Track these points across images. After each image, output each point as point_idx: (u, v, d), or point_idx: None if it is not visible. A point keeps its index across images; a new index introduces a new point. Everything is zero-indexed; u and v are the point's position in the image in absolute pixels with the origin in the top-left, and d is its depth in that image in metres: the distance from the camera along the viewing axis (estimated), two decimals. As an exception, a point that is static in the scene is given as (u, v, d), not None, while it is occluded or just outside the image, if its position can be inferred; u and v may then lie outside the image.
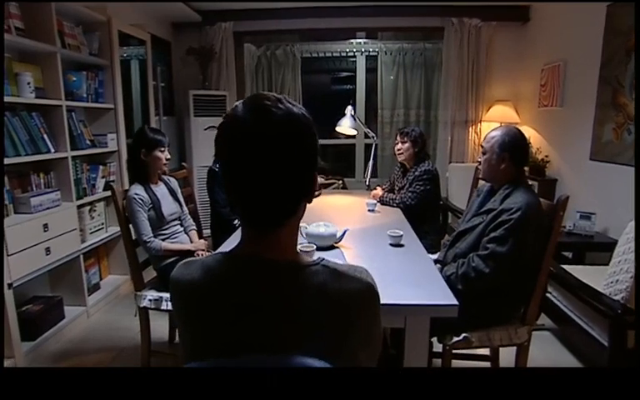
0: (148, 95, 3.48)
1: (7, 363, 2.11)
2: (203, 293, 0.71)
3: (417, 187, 2.50)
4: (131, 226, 2.02)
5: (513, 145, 1.65)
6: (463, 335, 1.62)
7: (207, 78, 4.32)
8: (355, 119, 2.96)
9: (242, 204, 0.69)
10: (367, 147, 4.11)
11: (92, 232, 2.81)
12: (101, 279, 3.01)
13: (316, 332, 0.67)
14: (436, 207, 2.69)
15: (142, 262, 2.12)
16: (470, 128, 4.21)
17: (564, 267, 2.33)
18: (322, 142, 6.07)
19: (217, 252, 0.75)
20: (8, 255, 2.10)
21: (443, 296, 1.29)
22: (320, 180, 5.44)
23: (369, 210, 2.48)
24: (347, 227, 2.07)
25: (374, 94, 5.77)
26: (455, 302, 1.24)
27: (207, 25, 4.32)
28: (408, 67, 5.61)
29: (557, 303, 2.35)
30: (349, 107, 2.95)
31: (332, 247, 1.76)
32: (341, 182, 5.59)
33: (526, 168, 3.58)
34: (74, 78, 2.64)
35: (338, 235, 1.76)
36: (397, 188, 2.74)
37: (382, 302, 1.25)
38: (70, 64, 2.69)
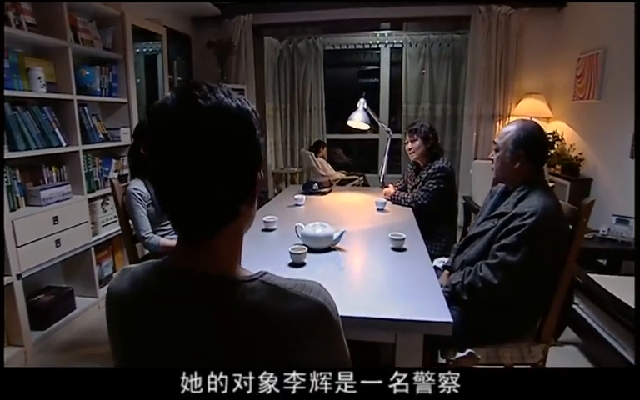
0: (165, 89, 3.49)
1: (16, 352, 2.17)
2: (129, 306, 0.65)
3: (430, 185, 2.34)
4: (130, 221, 2.01)
5: (530, 141, 1.48)
6: (468, 351, 1.48)
7: (226, 72, 4.30)
8: (368, 113, 2.81)
9: (170, 208, 0.62)
10: (392, 142, 3.92)
11: (104, 225, 2.84)
12: (114, 271, 3.05)
13: (249, 359, 0.58)
14: (451, 208, 2.51)
15: (142, 257, 2.11)
16: (497, 123, 3.95)
17: (594, 276, 2.10)
18: (345, 137, 5.98)
19: (149, 261, 0.67)
20: (18, 246, 2.14)
21: (438, 311, 1.16)
22: (341, 176, 5.34)
23: (378, 209, 2.35)
24: (353, 226, 1.97)
25: (398, 88, 5.58)
26: (449, 319, 1.11)
27: (226, 18, 4.30)
28: (435, 59, 5.39)
29: (585, 316, 2.13)
30: (362, 100, 2.81)
31: (328, 250, 1.66)
32: (362, 178, 5.45)
33: (558, 166, 3.37)
34: (87, 73, 2.67)
35: (335, 236, 1.65)
36: (409, 187, 2.59)
37: (369, 315, 1.16)
38: (84, 59, 2.72)
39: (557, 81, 3.78)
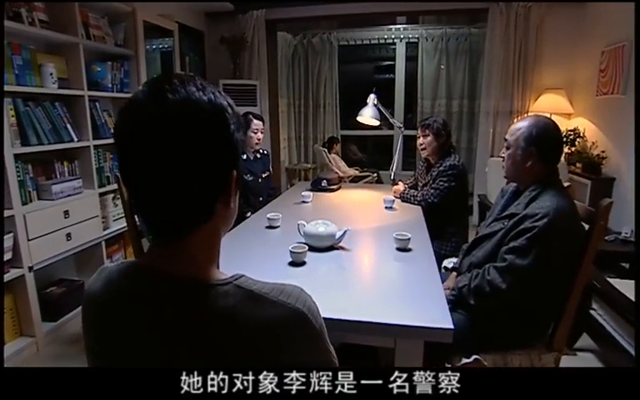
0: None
1: (28, 342, 2.23)
2: (103, 306, 0.63)
3: (441, 183, 2.27)
4: (136, 216, 2.02)
5: (542, 139, 1.40)
6: (474, 357, 1.42)
7: (238, 67, 4.30)
8: (379, 108, 2.75)
9: (139, 206, 0.59)
10: (407, 138, 3.85)
11: (115, 219, 2.88)
12: (125, 265, 3.09)
13: (221, 364, 0.55)
14: (462, 207, 2.43)
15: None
16: (515, 119, 3.81)
17: (613, 281, 2.00)
18: (359, 133, 5.91)
19: (123, 261, 0.65)
20: (29, 239, 2.19)
21: (439, 317, 1.10)
22: (354, 172, 5.28)
23: (386, 207, 2.29)
24: (358, 225, 1.93)
25: (414, 83, 5.48)
26: (450, 325, 1.05)
27: (239, 14, 4.29)
28: (451, 53, 5.28)
29: (603, 323, 2.03)
30: (372, 96, 2.75)
31: (331, 249, 1.62)
32: (375, 175, 5.39)
33: (578, 165, 3.23)
34: (98, 69, 2.69)
35: (338, 235, 1.61)
36: (420, 185, 2.51)
37: (366, 318, 1.11)
38: (95, 55, 2.75)
39: (579, 75, 3.62)
